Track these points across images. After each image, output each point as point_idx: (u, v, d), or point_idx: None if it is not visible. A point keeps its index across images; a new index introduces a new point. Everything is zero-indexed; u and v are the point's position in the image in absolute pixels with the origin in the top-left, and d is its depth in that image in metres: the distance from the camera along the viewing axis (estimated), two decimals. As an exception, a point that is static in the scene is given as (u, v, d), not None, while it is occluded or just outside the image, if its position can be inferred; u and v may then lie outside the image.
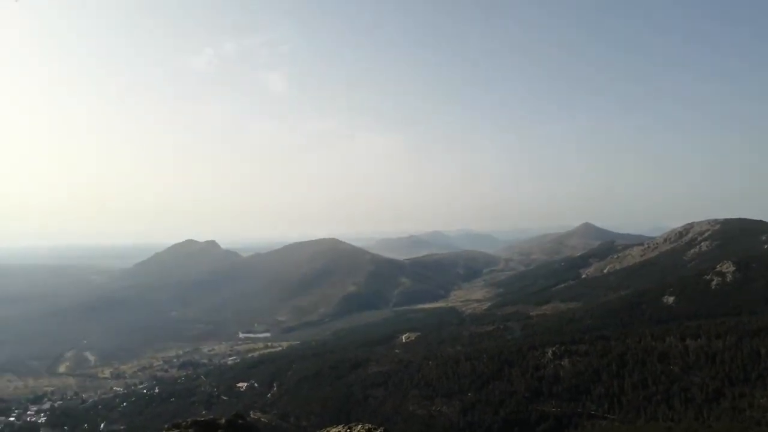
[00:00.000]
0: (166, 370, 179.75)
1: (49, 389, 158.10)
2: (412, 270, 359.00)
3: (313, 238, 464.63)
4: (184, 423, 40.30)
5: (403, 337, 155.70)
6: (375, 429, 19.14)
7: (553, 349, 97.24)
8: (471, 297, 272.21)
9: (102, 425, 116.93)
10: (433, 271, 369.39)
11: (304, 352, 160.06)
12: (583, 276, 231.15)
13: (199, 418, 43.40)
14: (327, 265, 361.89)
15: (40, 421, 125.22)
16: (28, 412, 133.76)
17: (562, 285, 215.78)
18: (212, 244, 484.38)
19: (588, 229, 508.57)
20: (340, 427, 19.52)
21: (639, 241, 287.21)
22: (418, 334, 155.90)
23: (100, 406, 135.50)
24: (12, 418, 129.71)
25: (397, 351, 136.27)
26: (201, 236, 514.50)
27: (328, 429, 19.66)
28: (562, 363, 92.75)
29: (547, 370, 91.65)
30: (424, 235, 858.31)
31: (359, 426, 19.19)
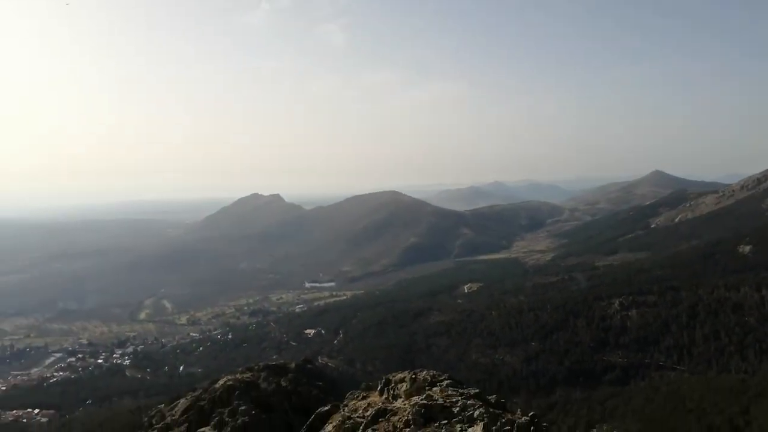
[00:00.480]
0: (238, 318, 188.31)
1: (132, 334, 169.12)
2: (473, 221, 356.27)
3: (373, 191, 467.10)
4: (256, 366, 42.48)
5: (465, 287, 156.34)
6: (439, 375, 19.53)
7: (620, 299, 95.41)
8: (534, 248, 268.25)
9: (181, 368, 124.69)
10: (494, 221, 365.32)
11: (368, 301, 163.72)
12: (653, 226, 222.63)
13: (270, 362, 45.63)
14: (388, 217, 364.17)
15: (124, 363, 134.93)
16: (114, 355, 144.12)
17: (630, 235, 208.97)
18: (276, 198, 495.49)
19: (658, 177, 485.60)
20: (405, 372, 20.01)
21: (713, 188, 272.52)
22: (480, 284, 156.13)
23: (178, 350, 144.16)
24: (100, 360, 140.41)
25: (459, 301, 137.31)
26: (265, 190, 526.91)
27: (393, 374, 20.22)
28: (630, 314, 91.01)
29: (613, 321, 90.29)
30: (486, 185, 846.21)
31: (423, 372, 19.61)
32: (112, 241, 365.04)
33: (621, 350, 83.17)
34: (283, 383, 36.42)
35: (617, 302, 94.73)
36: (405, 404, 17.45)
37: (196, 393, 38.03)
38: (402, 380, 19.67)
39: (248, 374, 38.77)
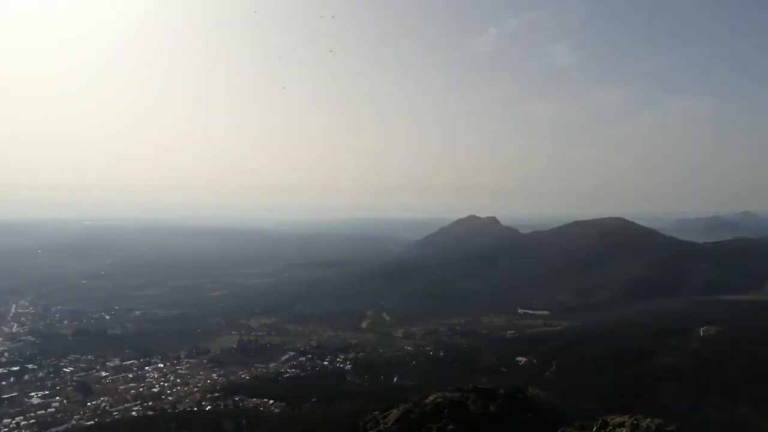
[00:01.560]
0: (450, 336, 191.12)
1: (354, 341, 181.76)
2: (714, 255, 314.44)
3: (597, 217, 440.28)
4: (466, 387, 42.66)
5: (701, 330, 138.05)
6: (666, 426, 17.54)
7: None
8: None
9: (395, 378, 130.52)
10: (741, 257, 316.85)
11: (585, 334, 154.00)
12: None
13: (479, 385, 45.48)
14: (612, 246, 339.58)
15: (346, 367, 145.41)
16: (337, 359, 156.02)
17: None
18: (493, 220, 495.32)
19: None
20: (626, 417, 18.38)
21: None
22: (720, 328, 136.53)
23: (393, 361, 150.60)
24: (326, 362, 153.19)
25: (692, 345, 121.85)
26: (482, 212, 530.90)
27: (611, 417, 18.70)
28: None
29: None
30: (732, 216, 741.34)
31: (648, 420, 17.80)
32: (344, 254, 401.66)
33: None
34: (492, 408, 36.01)
35: None
36: (623, 451, 16.06)
37: (408, 405, 39.50)
38: (621, 424, 18.12)
39: (457, 394, 39.13)
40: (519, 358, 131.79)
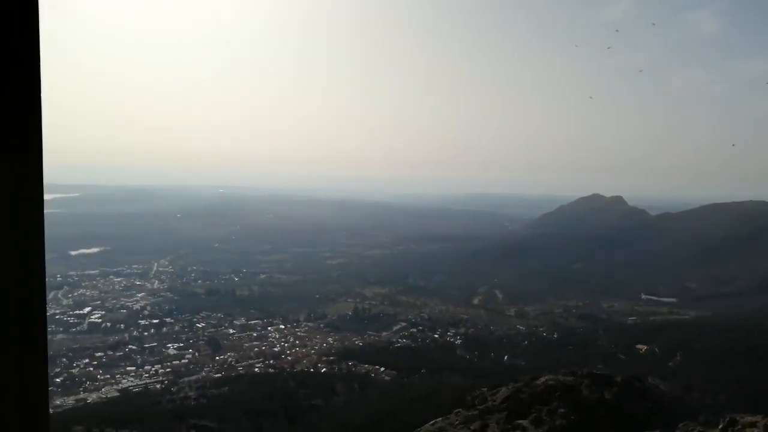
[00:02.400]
0: (566, 318, 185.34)
1: (465, 317, 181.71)
2: None
3: (737, 200, 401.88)
4: (579, 372, 41.42)
5: None
6: (806, 431, 15.94)
7: None
8: None
9: (505, 357, 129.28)
10: None
11: (716, 325, 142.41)
12: None
13: (594, 371, 43.94)
14: (754, 232, 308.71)
15: (456, 342, 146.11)
16: (448, 333, 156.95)
17: None
18: (618, 200, 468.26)
19: None
20: (758, 416, 16.94)
21: None
22: None
23: (504, 340, 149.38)
24: (436, 335, 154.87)
25: None
26: (606, 191, 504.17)
27: (741, 415, 17.32)
28: None
29: None
30: None
31: (784, 422, 16.28)
32: (458, 230, 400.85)
33: None
34: (607, 395, 34.76)
35: None
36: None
37: (518, 385, 39.13)
38: (753, 424, 16.74)
39: (570, 378, 38.14)
40: (639, 346, 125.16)
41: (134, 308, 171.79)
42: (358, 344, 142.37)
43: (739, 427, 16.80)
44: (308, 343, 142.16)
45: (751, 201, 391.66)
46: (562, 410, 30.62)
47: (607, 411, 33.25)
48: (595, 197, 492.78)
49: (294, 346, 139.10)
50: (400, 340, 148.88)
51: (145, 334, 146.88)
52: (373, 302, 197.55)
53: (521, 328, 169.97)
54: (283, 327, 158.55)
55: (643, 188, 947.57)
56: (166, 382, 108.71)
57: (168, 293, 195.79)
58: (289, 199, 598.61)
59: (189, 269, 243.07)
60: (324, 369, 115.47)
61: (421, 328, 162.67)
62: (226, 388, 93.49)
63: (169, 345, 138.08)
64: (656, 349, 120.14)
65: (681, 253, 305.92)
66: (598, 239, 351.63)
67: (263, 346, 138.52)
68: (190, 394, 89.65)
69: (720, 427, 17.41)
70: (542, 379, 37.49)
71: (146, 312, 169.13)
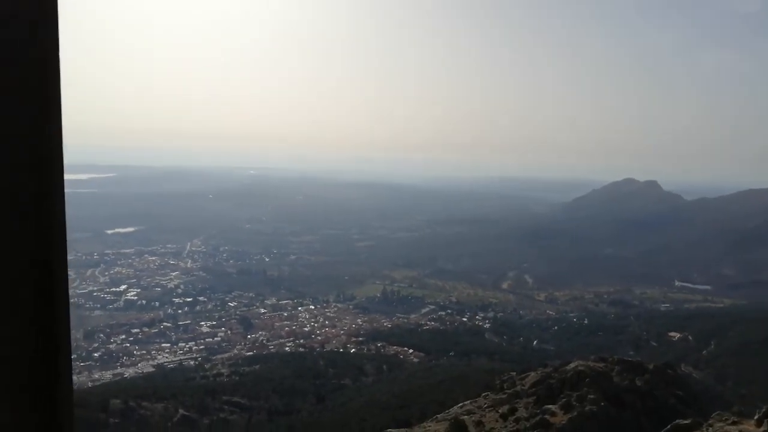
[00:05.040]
0: (597, 305, 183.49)
1: (494, 301, 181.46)
2: None
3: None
4: (610, 359, 41.18)
5: None
6: None
7: None
8: None
9: (534, 342, 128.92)
10: None
11: (752, 313, 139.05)
12: None
13: (626, 358, 43.60)
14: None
15: (485, 326, 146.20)
16: (476, 317, 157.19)
17: None
18: (652, 185, 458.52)
19: None
20: (795, 409, 16.74)
21: None
22: None
23: (533, 325, 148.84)
24: (465, 319, 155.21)
25: None
26: (640, 175, 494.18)
27: (777, 407, 17.13)
28: None
29: None
30: None
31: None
32: (486, 212, 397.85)
33: None
34: (638, 383, 34.56)
35: None
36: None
37: (547, 370, 39.15)
38: (789, 417, 16.53)
39: (601, 364, 38.00)
40: (672, 334, 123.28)
41: (168, 287, 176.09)
42: (386, 326, 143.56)
43: (776, 418, 16.61)
44: (338, 323, 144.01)
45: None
46: (592, 396, 30.53)
47: (637, 398, 33.06)
48: (629, 181, 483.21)
49: (324, 326, 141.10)
50: (428, 322, 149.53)
51: (179, 312, 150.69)
52: (402, 284, 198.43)
53: (551, 313, 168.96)
54: (312, 307, 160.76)
55: (678, 173, 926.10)
56: (200, 358, 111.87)
57: (201, 272, 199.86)
58: (319, 181, 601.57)
59: (221, 249, 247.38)
60: (353, 349, 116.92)
61: (449, 311, 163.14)
62: (258, 365, 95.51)
63: (203, 323, 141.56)
64: (689, 337, 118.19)
65: (716, 240, 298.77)
66: (631, 224, 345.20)
67: (294, 325, 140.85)
68: (223, 371, 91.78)
69: (756, 418, 17.24)
70: (572, 365, 37.38)
71: (180, 290, 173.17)
